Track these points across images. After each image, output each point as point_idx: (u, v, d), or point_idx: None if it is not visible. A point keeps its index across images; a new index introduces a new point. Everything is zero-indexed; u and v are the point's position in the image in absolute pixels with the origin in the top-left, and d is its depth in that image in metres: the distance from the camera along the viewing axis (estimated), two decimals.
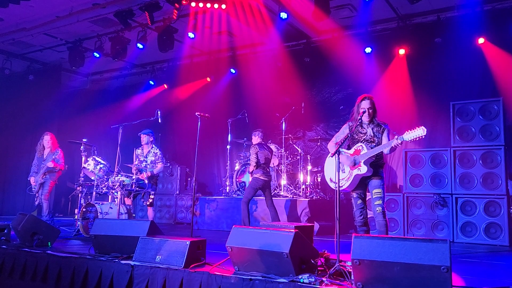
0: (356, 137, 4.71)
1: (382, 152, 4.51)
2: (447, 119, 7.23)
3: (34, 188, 7.26)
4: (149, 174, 6.83)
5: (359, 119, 4.59)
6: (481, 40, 7.82)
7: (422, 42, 8.37)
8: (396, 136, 4.37)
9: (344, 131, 4.79)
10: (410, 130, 4.29)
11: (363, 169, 4.51)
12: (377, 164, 4.61)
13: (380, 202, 4.53)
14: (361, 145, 4.60)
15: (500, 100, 6.74)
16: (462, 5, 7.79)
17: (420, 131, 4.23)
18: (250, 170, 6.81)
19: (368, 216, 4.81)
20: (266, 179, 6.79)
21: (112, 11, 8.41)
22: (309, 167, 8.80)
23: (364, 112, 4.60)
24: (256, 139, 7.03)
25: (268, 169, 6.93)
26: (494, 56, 7.75)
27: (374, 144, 4.62)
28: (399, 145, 4.38)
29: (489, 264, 5.00)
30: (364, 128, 4.70)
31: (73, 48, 10.10)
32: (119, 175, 6.59)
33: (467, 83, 7.85)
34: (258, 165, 6.77)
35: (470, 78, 7.87)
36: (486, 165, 6.67)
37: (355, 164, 4.56)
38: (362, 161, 4.51)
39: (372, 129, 4.67)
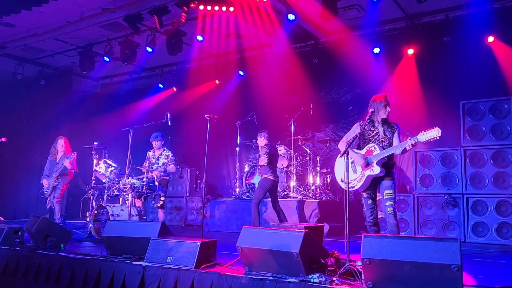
0: (367, 136, 4.71)
1: (393, 152, 4.50)
2: (457, 118, 7.19)
3: (47, 191, 7.36)
4: (161, 169, 6.88)
5: (368, 118, 4.59)
6: (490, 39, 7.77)
7: (431, 41, 8.33)
8: (409, 137, 4.35)
9: (354, 130, 4.78)
10: (425, 131, 4.27)
11: (376, 170, 4.50)
12: (388, 164, 4.61)
13: (391, 202, 4.52)
14: (373, 146, 4.59)
15: (511, 99, 6.69)
16: (471, 3, 7.74)
17: (435, 132, 4.21)
18: (263, 163, 6.80)
19: (379, 217, 4.80)
20: (275, 179, 6.82)
21: (121, 15, 8.50)
22: (318, 168, 8.80)
23: (373, 112, 4.59)
24: (263, 140, 7.05)
25: (276, 170, 6.96)
26: (504, 55, 7.69)
27: (385, 144, 4.61)
28: (414, 146, 4.37)
29: (501, 264, 4.96)
30: (376, 128, 4.70)
31: (83, 53, 10.22)
32: (130, 178, 6.65)
33: (477, 82, 7.79)
34: (267, 165, 6.80)
35: (480, 77, 7.80)
36: (497, 164, 6.62)
37: (367, 165, 4.56)
38: (375, 161, 4.51)
39: (384, 129, 4.67)
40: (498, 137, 6.69)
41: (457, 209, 6.82)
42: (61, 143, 7.51)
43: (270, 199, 6.91)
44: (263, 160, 6.76)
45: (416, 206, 7.12)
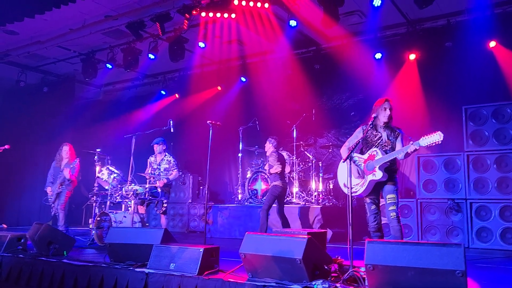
0: (370, 141, 4.71)
1: (396, 157, 4.50)
2: (460, 123, 7.18)
3: (51, 198, 7.36)
4: (165, 181, 6.88)
5: (370, 123, 4.59)
6: (492, 44, 7.77)
7: (433, 46, 8.34)
8: (411, 142, 4.36)
9: (357, 135, 4.78)
10: (427, 135, 4.27)
11: (378, 175, 4.50)
12: (391, 169, 4.61)
13: (394, 207, 4.52)
14: (376, 150, 4.59)
15: None
16: (472, 8, 7.74)
17: (436, 137, 4.20)
18: (276, 171, 6.77)
19: (382, 222, 4.79)
20: (284, 186, 6.83)
21: (124, 22, 8.55)
22: (321, 174, 8.78)
23: (375, 117, 4.60)
24: (271, 147, 7.04)
25: (284, 177, 6.96)
26: (506, 59, 7.69)
27: (388, 148, 4.61)
28: (416, 150, 4.37)
29: (505, 270, 4.92)
30: (379, 132, 4.70)
31: (86, 60, 10.26)
32: (133, 184, 6.66)
33: (479, 86, 7.78)
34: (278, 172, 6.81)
35: (482, 82, 7.79)
36: (500, 169, 6.59)
37: (363, 177, 4.56)
38: (377, 166, 4.51)
39: (387, 133, 4.67)
40: (501, 141, 6.67)
41: (460, 214, 6.79)
42: (65, 150, 7.53)
43: (275, 205, 6.90)
44: (277, 169, 6.74)
45: (420, 212, 7.09)
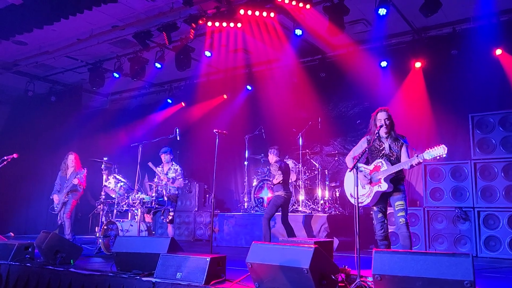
0: (375, 151, 4.71)
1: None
2: (466, 131, 7.15)
3: (57, 207, 7.40)
4: (170, 181, 6.94)
5: (376, 132, 4.59)
6: (498, 51, 7.75)
7: (438, 54, 8.33)
8: (416, 154, 4.37)
9: (362, 145, 4.79)
10: (431, 148, 4.28)
11: (384, 186, 4.50)
12: (397, 179, 4.60)
13: (403, 213, 4.50)
14: (381, 161, 4.59)
15: None
16: (478, 16, 7.74)
17: (440, 150, 4.22)
18: (277, 181, 6.77)
19: (390, 230, 4.77)
20: (287, 196, 6.80)
21: (131, 32, 8.64)
22: (327, 182, 8.77)
23: (381, 126, 4.60)
24: (273, 157, 7.04)
25: (288, 186, 6.94)
26: None
27: (393, 158, 4.61)
28: (420, 163, 4.38)
29: None
30: (382, 142, 4.70)
31: (93, 69, 10.36)
32: (139, 193, 6.69)
33: (485, 94, 7.76)
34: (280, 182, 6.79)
35: (488, 90, 7.77)
36: (508, 177, 6.55)
37: (371, 182, 4.57)
38: (382, 177, 4.51)
39: (390, 143, 4.66)
40: (508, 149, 6.63)
41: (468, 223, 6.73)
42: (71, 159, 7.58)
43: (278, 213, 6.89)
44: (278, 179, 6.73)
45: (427, 220, 7.05)
